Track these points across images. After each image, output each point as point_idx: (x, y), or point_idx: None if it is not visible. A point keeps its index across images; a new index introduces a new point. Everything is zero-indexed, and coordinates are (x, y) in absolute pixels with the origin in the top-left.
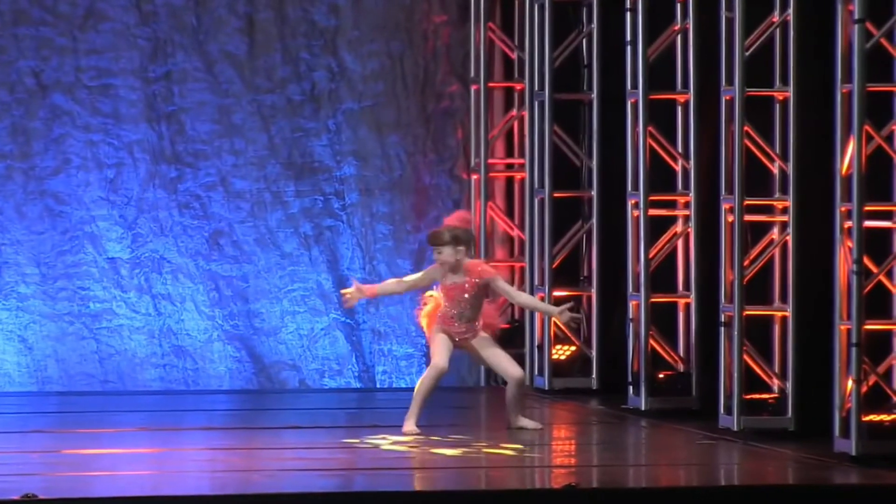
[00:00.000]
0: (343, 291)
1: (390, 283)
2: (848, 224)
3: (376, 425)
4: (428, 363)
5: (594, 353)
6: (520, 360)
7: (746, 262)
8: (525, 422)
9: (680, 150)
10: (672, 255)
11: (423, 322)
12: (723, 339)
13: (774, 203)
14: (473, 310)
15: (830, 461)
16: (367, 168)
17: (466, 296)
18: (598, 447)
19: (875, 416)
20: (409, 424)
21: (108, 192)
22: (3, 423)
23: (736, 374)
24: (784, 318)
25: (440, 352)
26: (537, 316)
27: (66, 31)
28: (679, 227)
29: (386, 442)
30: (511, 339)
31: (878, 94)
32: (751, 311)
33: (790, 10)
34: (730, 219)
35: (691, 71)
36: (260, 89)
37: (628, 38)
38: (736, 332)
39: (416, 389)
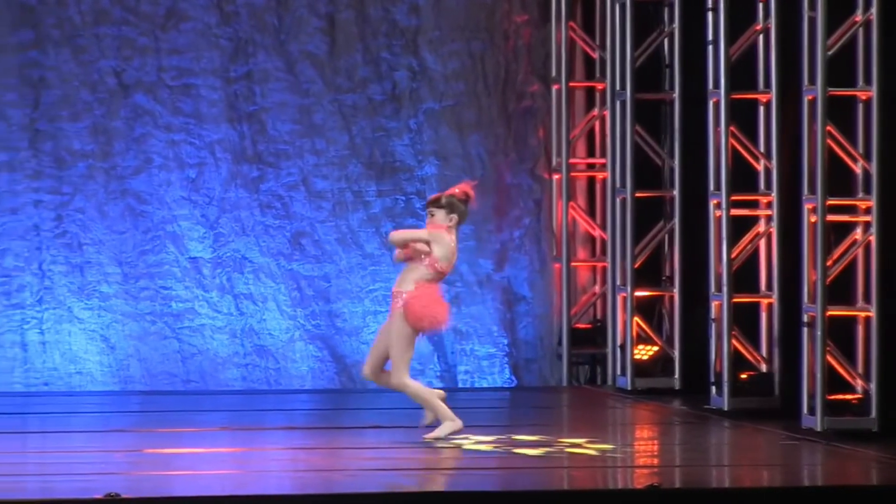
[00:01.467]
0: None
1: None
2: None
3: None
4: (511, 362)
5: (676, 353)
6: (602, 360)
7: (829, 262)
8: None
9: (762, 149)
10: (754, 255)
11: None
12: (805, 340)
13: (857, 203)
14: (412, 270)
15: None
16: (448, 168)
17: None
18: (680, 447)
19: None
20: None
21: (190, 191)
22: (85, 422)
23: (819, 375)
24: (867, 319)
25: None
26: (619, 316)
27: (147, 31)
28: (761, 227)
29: (468, 441)
30: (593, 338)
31: None
32: (834, 312)
33: (873, 9)
34: (812, 219)
35: (773, 70)
36: (341, 89)
37: (710, 37)
38: (819, 333)
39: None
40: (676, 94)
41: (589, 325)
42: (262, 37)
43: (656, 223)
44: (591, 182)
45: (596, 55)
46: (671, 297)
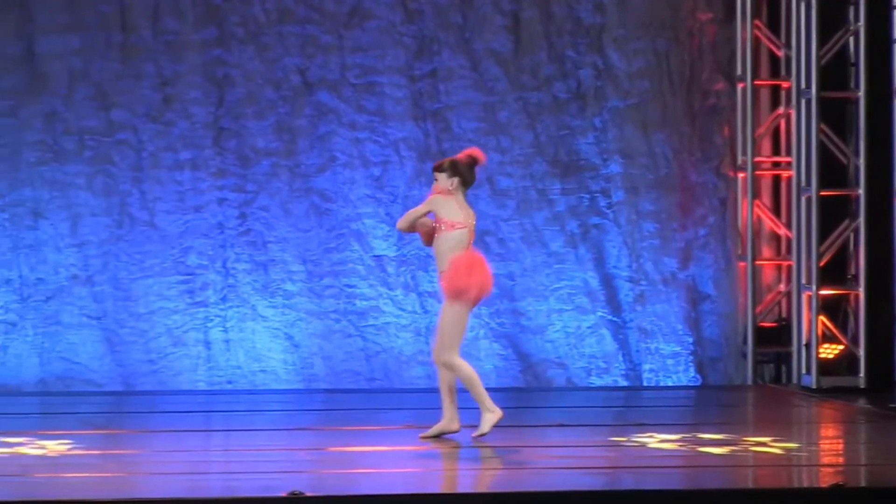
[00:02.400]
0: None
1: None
2: None
3: (643, 423)
4: (696, 360)
5: (862, 351)
6: (787, 358)
7: None
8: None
9: None
10: None
11: None
12: None
13: None
14: (439, 256)
15: None
16: (633, 166)
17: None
18: (865, 446)
19: None
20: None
21: (375, 189)
22: (270, 420)
23: None
24: None
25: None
26: (804, 315)
27: (331, 29)
28: None
29: (653, 440)
30: (778, 337)
31: None
32: None
33: None
34: None
35: None
36: (526, 87)
37: (895, 35)
38: None
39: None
40: (862, 93)
41: (774, 324)
42: (446, 35)
43: (841, 221)
44: (776, 180)
45: (781, 53)
46: (856, 296)
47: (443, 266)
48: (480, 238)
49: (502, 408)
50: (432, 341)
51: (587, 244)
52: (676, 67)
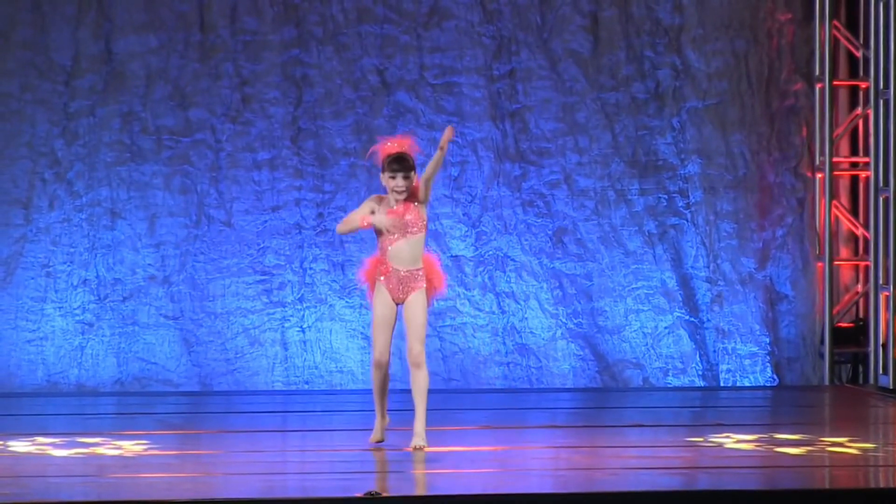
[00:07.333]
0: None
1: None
2: None
3: (720, 424)
4: (773, 361)
5: None
6: (864, 358)
7: None
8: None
9: None
10: None
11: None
12: None
13: None
14: (413, 246)
15: None
16: (711, 166)
17: (407, 217)
18: None
19: None
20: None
21: (453, 189)
22: (346, 420)
23: None
24: None
25: (377, 340)
26: (882, 315)
27: (409, 29)
28: None
29: (730, 441)
30: (855, 337)
31: None
32: None
33: None
34: None
35: None
36: (604, 87)
37: None
38: None
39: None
40: None
41: (851, 324)
42: (525, 35)
43: None
44: (854, 181)
45: (859, 54)
46: None
47: (415, 264)
48: (559, 237)
49: (579, 408)
50: (411, 341)
51: (665, 244)
52: (755, 68)
